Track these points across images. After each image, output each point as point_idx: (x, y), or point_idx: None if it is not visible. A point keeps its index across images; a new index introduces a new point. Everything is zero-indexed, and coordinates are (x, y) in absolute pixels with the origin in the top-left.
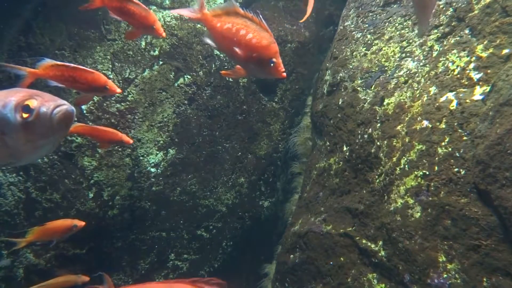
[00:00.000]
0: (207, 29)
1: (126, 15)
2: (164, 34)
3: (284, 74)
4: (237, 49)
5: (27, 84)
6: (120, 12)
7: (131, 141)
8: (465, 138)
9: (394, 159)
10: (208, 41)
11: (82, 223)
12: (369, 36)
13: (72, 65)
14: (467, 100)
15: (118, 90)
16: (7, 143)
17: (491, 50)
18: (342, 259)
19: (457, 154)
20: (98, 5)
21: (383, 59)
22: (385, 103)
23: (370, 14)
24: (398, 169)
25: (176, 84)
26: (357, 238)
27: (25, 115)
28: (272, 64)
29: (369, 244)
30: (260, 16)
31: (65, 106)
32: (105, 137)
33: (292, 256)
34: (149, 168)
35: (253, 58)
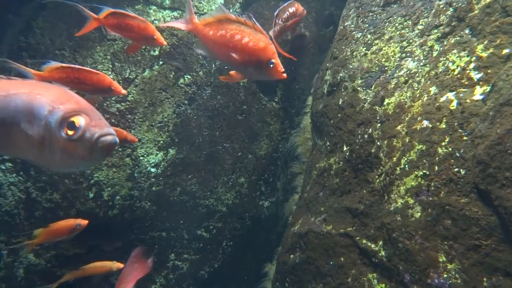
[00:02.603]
0: (199, 38)
1: (125, 31)
2: (165, 43)
3: (284, 74)
4: (234, 55)
5: None
6: (118, 28)
7: (136, 140)
8: (465, 138)
9: (394, 159)
10: (200, 51)
11: (85, 222)
12: (369, 36)
13: (77, 66)
14: (467, 100)
15: (123, 91)
16: (43, 149)
17: (491, 50)
18: (342, 259)
19: (457, 154)
20: (94, 26)
21: (383, 59)
22: (385, 103)
23: (370, 14)
24: (398, 169)
25: (176, 84)
26: (357, 238)
27: (69, 132)
28: (271, 65)
29: (369, 244)
30: (253, 19)
31: (110, 136)
32: None
33: (292, 256)
34: (149, 168)
35: (252, 61)
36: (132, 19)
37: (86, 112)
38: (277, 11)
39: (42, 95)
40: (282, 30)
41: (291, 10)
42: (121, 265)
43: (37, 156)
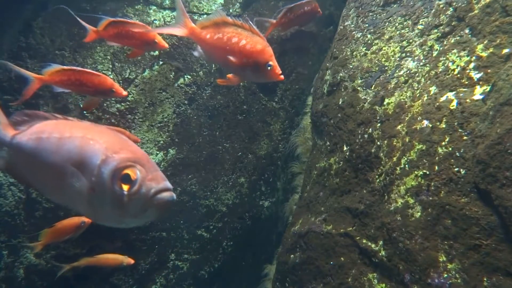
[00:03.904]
0: (195, 42)
1: (125, 39)
2: (166, 46)
3: (282, 76)
4: (231, 57)
5: (34, 89)
6: (118, 38)
7: (139, 140)
8: (465, 137)
9: (395, 159)
10: (197, 54)
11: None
12: (369, 36)
13: (78, 68)
14: (467, 100)
15: (124, 93)
16: (91, 200)
17: (491, 50)
18: (342, 259)
19: (457, 154)
20: (94, 38)
21: (383, 59)
22: (385, 103)
23: (370, 14)
24: (398, 169)
25: (176, 84)
26: (358, 238)
27: (124, 187)
28: (269, 68)
29: (369, 244)
30: (250, 22)
31: (168, 193)
32: None
33: (292, 256)
34: None
35: (249, 64)
36: (132, 26)
37: (142, 163)
38: (292, 5)
39: (95, 141)
40: (290, 23)
41: (306, 8)
42: (131, 261)
43: (85, 207)
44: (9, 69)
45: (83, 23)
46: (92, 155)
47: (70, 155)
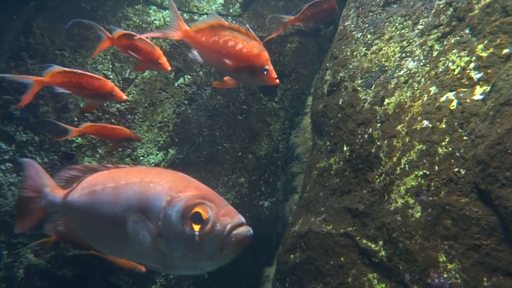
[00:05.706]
0: (191, 45)
1: (134, 51)
2: (169, 68)
3: (277, 80)
4: (227, 61)
5: (35, 92)
6: (128, 49)
7: (140, 139)
8: (465, 138)
9: (395, 159)
10: (192, 56)
11: None
12: (369, 36)
13: (79, 71)
14: (467, 100)
15: (124, 97)
16: (160, 247)
17: (491, 50)
18: (342, 259)
19: (458, 154)
20: (107, 45)
21: (383, 59)
22: (385, 103)
23: (370, 14)
24: (398, 169)
25: (176, 84)
26: (357, 238)
27: (195, 227)
28: (265, 72)
29: (369, 244)
30: (247, 25)
31: (245, 228)
32: (114, 135)
33: (292, 256)
34: None
35: (246, 67)
36: (141, 42)
37: (210, 199)
38: (311, 2)
39: (155, 183)
40: (307, 20)
41: (324, 5)
42: (143, 269)
43: (153, 257)
44: (8, 79)
45: (101, 29)
46: (155, 198)
47: (130, 203)
